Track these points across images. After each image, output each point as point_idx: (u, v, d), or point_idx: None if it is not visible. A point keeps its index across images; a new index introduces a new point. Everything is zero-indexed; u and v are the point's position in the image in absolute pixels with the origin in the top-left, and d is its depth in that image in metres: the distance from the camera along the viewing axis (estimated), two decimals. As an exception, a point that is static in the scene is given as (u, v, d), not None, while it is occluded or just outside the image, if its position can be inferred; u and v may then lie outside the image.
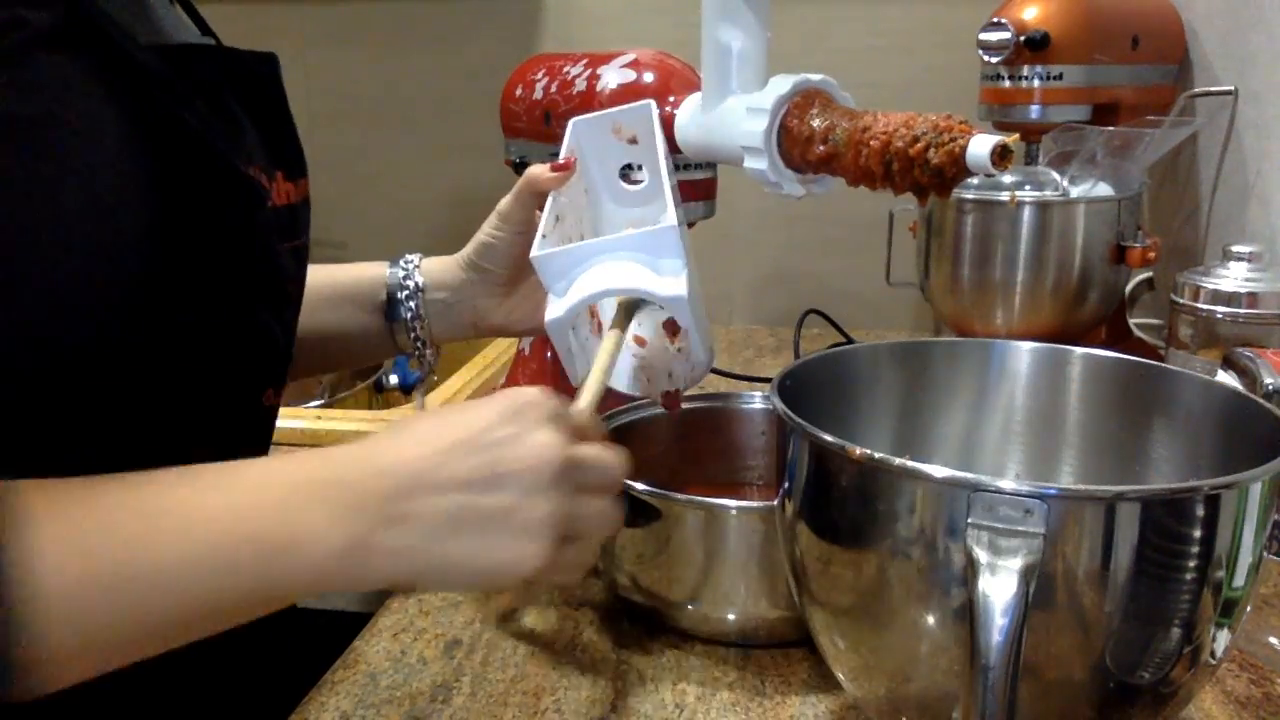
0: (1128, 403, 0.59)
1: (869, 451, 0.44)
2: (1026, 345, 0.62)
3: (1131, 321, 1.13)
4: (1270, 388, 0.69)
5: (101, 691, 0.53)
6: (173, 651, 0.60)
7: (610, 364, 0.55)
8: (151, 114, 0.47)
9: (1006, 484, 0.41)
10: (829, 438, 0.46)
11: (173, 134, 0.47)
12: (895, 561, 0.45)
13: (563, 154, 0.66)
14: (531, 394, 0.49)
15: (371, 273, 0.77)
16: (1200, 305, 0.89)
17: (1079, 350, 0.61)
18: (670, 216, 0.58)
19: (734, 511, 0.61)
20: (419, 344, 0.75)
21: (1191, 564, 0.42)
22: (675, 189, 0.63)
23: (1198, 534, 0.42)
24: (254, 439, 0.59)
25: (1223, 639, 0.45)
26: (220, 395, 0.53)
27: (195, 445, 0.46)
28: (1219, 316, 0.88)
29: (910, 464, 0.43)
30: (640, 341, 0.64)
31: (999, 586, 0.40)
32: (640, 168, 0.69)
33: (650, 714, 0.57)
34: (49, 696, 0.47)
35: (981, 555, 0.40)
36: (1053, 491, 0.41)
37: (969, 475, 0.42)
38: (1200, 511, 0.42)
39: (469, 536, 0.45)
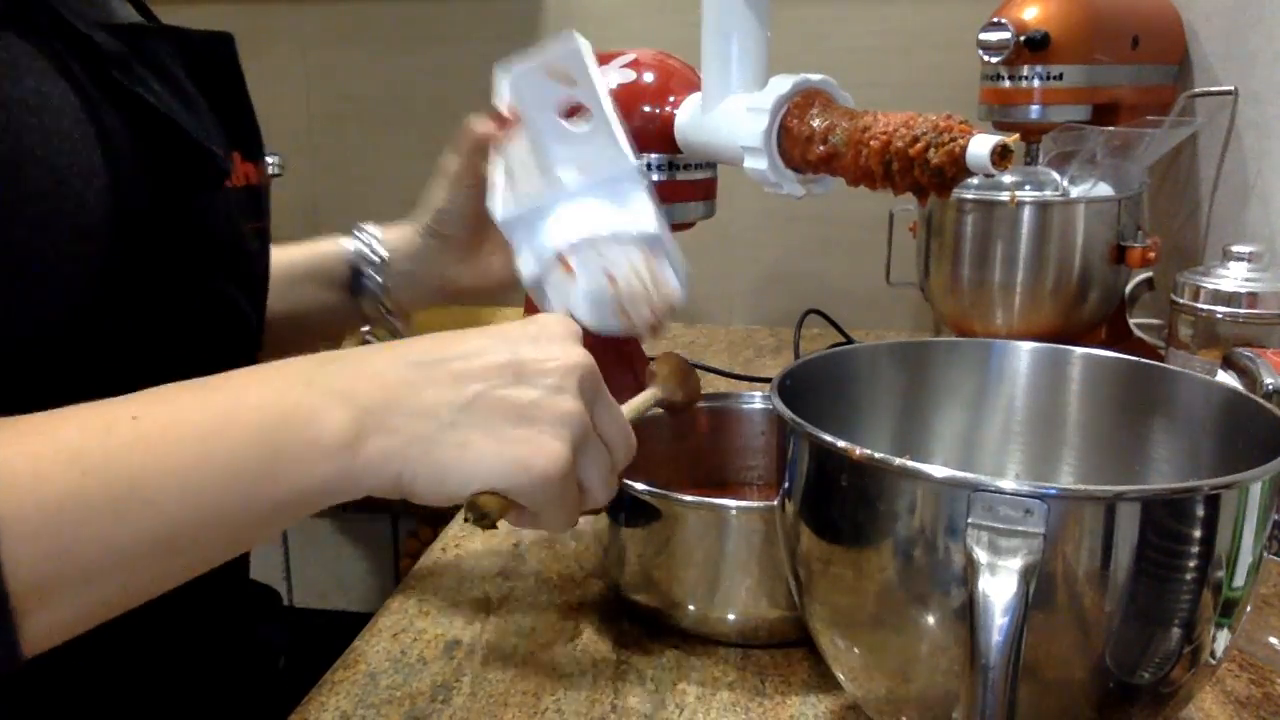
0: (1128, 403, 0.59)
1: (869, 451, 0.44)
2: (1026, 345, 0.62)
3: (1131, 321, 1.13)
4: (1270, 388, 0.69)
5: (101, 690, 0.53)
6: (173, 651, 0.59)
7: (637, 416, 0.55)
8: (106, 90, 0.46)
9: (1006, 484, 0.41)
10: (829, 438, 0.46)
11: (128, 108, 0.47)
12: (895, 561, 0.45)
13: (503, 107, 0.65)
14: (554, 315, 0.49)
15: (328, 249, 0.76)
16: (1200, 305, 0.89)
17: (1079, 350, 0.61)
18: (625, 154, 0.57)
19: (734, 511, 0.61)
20: (388, 316, 0.75)
21: (1191, 564, 0.42)
22: (622, 122, 0.62)
23: (1198, 534, 0.42)
24: None
25: (1223, 639, 0.45)
26: (192, 376, 0.53)
27: None
28: (1219, 316, 0.88)
29: (910, 464, 0.43)
30: (611, 279, 0.63)
31: (999, 586, 0.40)
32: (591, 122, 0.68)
33: (650, 714, 0.57)
34: (49, 695, 0.47)
35: (981, 555, 0.40)
36: (1053, 491, 0.41)
37: (969, 475, 0.42)
38: (1200, 511, 0.42)
39: (488, 425, 0.43)
